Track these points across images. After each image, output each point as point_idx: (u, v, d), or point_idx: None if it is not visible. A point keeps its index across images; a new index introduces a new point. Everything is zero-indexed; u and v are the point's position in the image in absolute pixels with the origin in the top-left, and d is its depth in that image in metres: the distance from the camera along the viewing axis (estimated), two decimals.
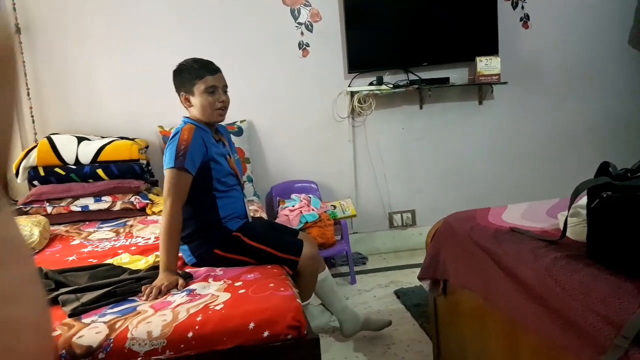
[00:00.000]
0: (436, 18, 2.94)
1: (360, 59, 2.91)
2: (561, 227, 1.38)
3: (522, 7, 3.04)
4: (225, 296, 1.44)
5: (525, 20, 3.05)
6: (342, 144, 3.04)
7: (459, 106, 3.11)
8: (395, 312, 2.32)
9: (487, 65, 2.90)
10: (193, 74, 1.71)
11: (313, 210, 2.60)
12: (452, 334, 1.87)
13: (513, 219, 1.74)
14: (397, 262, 2.97)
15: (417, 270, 2.00)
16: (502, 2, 2.98)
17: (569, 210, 1.33)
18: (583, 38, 3.15)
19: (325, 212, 2.63)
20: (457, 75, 3.02)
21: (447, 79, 2.95)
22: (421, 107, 3.06)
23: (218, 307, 1.37)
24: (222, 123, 1.85)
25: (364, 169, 3.10)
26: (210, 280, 1.59)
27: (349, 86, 2.95)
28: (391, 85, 2.89)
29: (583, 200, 1.28)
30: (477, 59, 2.89)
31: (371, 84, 2.93)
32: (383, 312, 2.33)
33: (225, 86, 1.77)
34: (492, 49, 2.92)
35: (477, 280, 1.61)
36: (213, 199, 1.73)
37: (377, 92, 2.90)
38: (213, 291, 1.49)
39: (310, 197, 2.73)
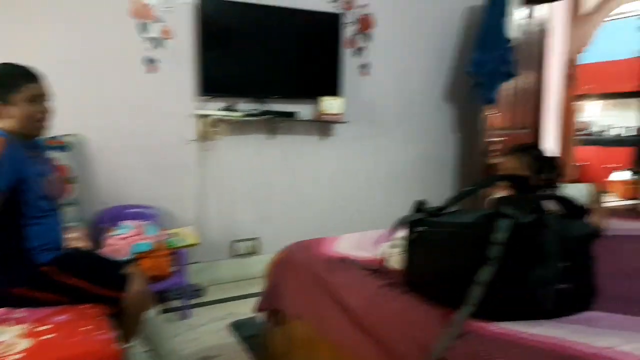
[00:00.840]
0: (288, 57, 3.05)
1: (213, 83, 2.85)
2: (384, 257, 1.49)
3: (364, 56, 3.34)
4: (26, 343, 1.23)
5: (365, 68, 3.36)
6: (189, 168, 2.92)
7: (306, 140, 3.24)
8: (230, 346, 2.25)
9: (330, 105, 3.09)
10: (11, 81, 1.48)
11: (147, 239, 2.41)
12: None
13: (345, 248, 1.83)
14: (238, 292, 2.90)
15: (256, 300, 1.97)
16: (346, 50, 3.23)
17: (389, 242, 1.44)
18: (411, 91, 3.59)
19: (161, 240, 2.47)
20: (306, 110, 3.15)
21: (294, 113, 3.06)
22: (272, 137, 3.11)
23: (15, 357, 1.16)
24: (42, 137, 1.63)
25: (210, 195, 3.00)
26: (6, 324, 1.34)
27: (199, 109, 2.86)
28: (243, 113, 2.90)
29: (402, 232, 1.40)
30: (321, 98, 3.07)
31: (223, 109, 2.89)
32: (216, 347, 2.23)
33: (48, 95, 1.57)
34: (335, 91, 3.14)
35: (310, 309, 1.64)
36: (20, 227, 1.48)
37: (229, 118, 2.87)
38: (9, 338, 1.25)
39: (144, 224, 2.54)
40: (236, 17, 2.89)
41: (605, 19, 5.51)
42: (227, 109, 2.91)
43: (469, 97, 3.68)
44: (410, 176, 3.67)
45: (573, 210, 1.32)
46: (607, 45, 7.24)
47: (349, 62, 3.26)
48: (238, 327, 2.43)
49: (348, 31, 3.24)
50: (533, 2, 3.73)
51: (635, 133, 6.39)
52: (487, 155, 3.69)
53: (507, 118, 3.83)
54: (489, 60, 3.30)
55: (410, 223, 1.32)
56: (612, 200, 5.86)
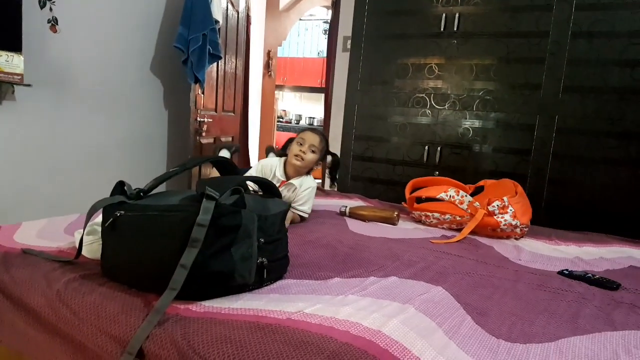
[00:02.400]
0: None
1: None
2: (77, 245, 1.31)
3: (51, 9, 2.80)
4: None
5: (53, 23, 2.84)
6: None
7: None
8: None
9: (8, 62, 2.52)
10: None
11: None
12: None
13: (27, 238, 1.54)
14: None
15: None
16: None
17: (84, 228, 1.27)
18: (113, 57, 3.24)
19: None
20: None
21: None
22: None
23: None
24: None
25: None
26: None
27: None
28: None
29: (99, 217, 1.26)
30: None
31: None
32: None
33: None
34: (15, 46, 2.56)
35: None
36: None
37: None
38: None
39: None
40: None
41: (299, 18, 6.28)
42: None
43: (178, 73, 3.61)
44: (115, 154, 3.35)
45: (269, 190, 1.43)
46: (299, 42, 8.33)
47: (31, 13, 2.70)
48: None
49: None
50: None
51: (320, 124, 7.59)
52: (199, 134, 3.72)
53: (214, 100, 3.95)
54: (195, 38, 3.30)
55: (108, 207, 1.19)
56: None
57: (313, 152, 2.05)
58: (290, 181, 2.08)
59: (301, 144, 2.06)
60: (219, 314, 1.06)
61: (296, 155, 2.04)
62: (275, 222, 1.27)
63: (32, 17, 2.69)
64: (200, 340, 0.95)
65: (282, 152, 2.18)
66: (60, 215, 1.90)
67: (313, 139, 2.06)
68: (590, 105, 2.59)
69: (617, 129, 2.52)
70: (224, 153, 2.58)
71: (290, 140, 2.15)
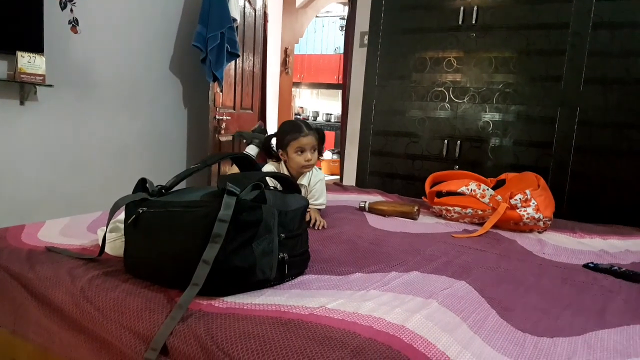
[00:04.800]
0: None
1: None
2: (100, 243, 1.33)
3: (71, 10, 2.85)
4: None
5: (74, 24, 2.88)
6: None
7: None
8: None
9: (30, 63, 2.57)
10: None
11: None
12: None
13: (51, 236, 1.57)
14: None
15: None
16: (50, 0, 2.71)
17: (107, 226, 1.28)
18: (133, 57, 3.28)
19: None
20: None
21: None
22: None
23: None
24: None
25: None
26: None
27: None
28: None
29: (122, 215, 1.27)
30: (19, 54, 2.52)
31: None
32: None
33: None
34: (37, 47, 2.61)
35: (4, 312, 1.36)
36: None
37: None
38: None
39: None
40: None
41: (316, 15, 6.27)
42: None
43: (197, 72, 3.63)
44: (136, 151, 3.39)
45: (289, 186, 1.43)
46: (316, 39, 8.33)
47: (53, 15, 2.73)
48: None
49: None
50: None
51: (337, 120, 7.58)
52: (217, 132, 3.74)
53: (232, 97, 3.96)
54: (214, 36, 3.32)
55: (131, 204, 1.20)
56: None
57: (314, 150, 1.97)
58: (299, 182, 2.03)
59: (302, 152, 1.94)
60: (241, 310, 1.05)
61: (304, 166, 1.96)
62: (296, 217, 1.27)
63: (53, 19, 2.74)
64: (223, 336, 0.95)
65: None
66: (82, 212, 1.93)
67: (310, 140, 1.94)
68: (612, 97, 2.52)
69: None
70: (252, 150, 2.51)
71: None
